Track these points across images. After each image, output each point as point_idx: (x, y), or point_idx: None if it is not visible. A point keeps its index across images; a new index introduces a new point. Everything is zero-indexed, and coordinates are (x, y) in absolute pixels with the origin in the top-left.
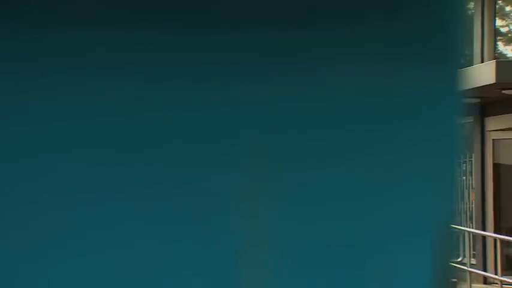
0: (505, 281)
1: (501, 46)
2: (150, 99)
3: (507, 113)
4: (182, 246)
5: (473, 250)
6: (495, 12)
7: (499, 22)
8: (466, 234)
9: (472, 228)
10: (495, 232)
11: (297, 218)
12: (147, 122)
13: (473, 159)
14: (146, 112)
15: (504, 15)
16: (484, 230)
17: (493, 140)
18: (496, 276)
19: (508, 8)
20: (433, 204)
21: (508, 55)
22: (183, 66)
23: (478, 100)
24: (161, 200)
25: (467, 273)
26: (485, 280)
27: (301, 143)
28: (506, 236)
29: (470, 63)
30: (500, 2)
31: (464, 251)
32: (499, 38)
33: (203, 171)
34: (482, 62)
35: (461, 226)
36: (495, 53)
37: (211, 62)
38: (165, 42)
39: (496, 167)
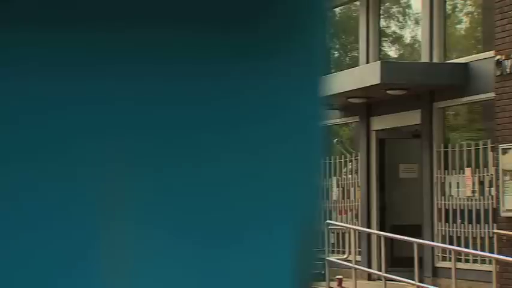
0: (388, 276)
1: (387, 47)
2: (17, 96)
3: (391, 113)
4: (50, 240)
5: (359, 247)
6: (380, 14)
7: (385, 23)
8: (352, 231)
9: (358, 225)
10: (379, 229)
11: (157, 214)
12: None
13: (359, 158)
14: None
15: (390, 16)
16: (369, 227)
17: (378, 139)
18: (380, 273)
19: (393, 9)
20: (295, 202)
21: (394, 56)
22: (54, 65)
23: (364, 100)
24: (28, 194)
25: (353, 270)
26: (370, 276)
27: (164, 141)
28: (390, 233)
29: (356, 63)
30: (387, 3)
31: (350, 248)
32: (384, 38)
33: (72, 167)
34: (367, 62)
35: (346, 224)
36: (380, 54)
37: (85, 59)
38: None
39: (381, 165)
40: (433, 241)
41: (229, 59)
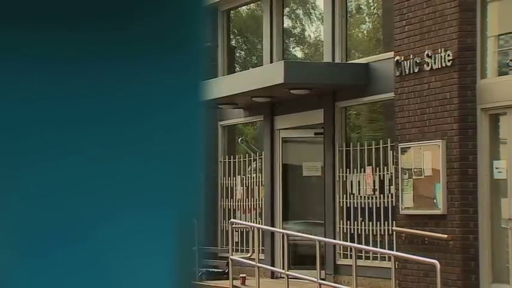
0: (291, 274)
1: (291, 46)
2: None
3: (295, 112)
4: None
5: (263, 246)
6: (283, 13)
7: (289, 23)
8: (256, 230)
9: (262, 224)
10: (282, 228)
11: (27, 214)
12: None
13: (263, 156)
14: None
15: (294, 16)
16: (272, 226)
17: (282, 138)
18: (283, 271)
19: (297, 9)
20: (174, 202)
21: (299, 55)
22: None
23: (268, 99)
24: None
25: (256, 269)
26: (273, 274)
27: (34, 138)
28: (293, 231)
29: (260, 63)
30: (291, 3)
31: (253, 247)
32: (289, 38)
33: None
34: (272, 62)
35: (250, 222)
36: (284, 54)
37: None
38: None
39: (284, 164)
40: (335, 239)
41: (105, 57)
